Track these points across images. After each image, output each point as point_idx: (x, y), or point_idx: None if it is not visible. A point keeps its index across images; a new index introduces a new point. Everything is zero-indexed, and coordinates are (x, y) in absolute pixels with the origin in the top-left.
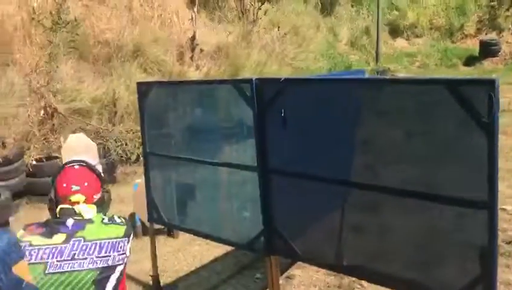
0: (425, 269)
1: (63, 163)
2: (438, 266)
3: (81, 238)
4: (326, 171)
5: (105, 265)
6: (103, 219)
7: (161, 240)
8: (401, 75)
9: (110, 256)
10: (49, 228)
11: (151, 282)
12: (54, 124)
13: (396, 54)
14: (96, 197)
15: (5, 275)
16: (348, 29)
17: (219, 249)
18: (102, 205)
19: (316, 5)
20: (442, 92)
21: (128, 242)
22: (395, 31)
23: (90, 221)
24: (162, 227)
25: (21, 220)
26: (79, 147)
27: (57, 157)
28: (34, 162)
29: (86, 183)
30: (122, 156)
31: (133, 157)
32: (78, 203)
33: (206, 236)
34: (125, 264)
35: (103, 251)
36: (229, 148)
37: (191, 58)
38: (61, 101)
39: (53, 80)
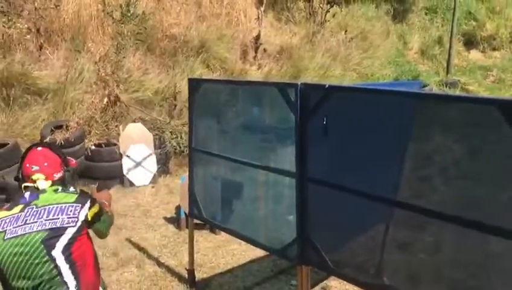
0: None
1: (30, 145)
2: None
3: (33, 206)
4: (367, 186)
5: (54, 226)
6: (57, 189)
7: (203, 235)
8: (471, 88)
9: (58, 219)
10: (13, 202)
11: (186, 276)
12: (115, 112)
13: (469, 66)
14: (57, 176)
15: None
16: (419, 38)
17: (258, 251)
18: (64, 183)
19: (387, 11)
20: (493, 112)
21: (81, 209)
22: (470, 42)
23: (43, 191)
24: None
25: None
26: (136, 136)
27: (115, 144)
28: (93, 147)
29: (45, 164)
30: (176, 149)
31: (187, 151)
32: (36, 180)
33: (242, 237)
34: (79, 227)
35: (51, 214)
36: (269, 151)
37: (254, 57)
38: (125, 91)
39: (119, 70)
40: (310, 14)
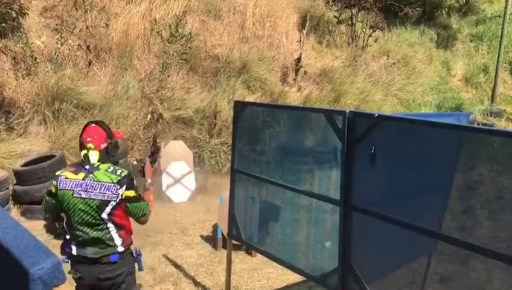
0: None
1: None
2: None
3: (92, 178)
4: (413, 217)
5: (103, 199)
6: (108, 168)
7: (239, 256)
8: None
9: (105, 193)
10: (76, 168)
11: None
12: (157, 129)
13: None
14: (103, 146)
15: None
16: (463, 65)
17: (294, 276)
18: (107, 152)
19: (431, 38)
20: None
21: (120, 188)
22: None
23: (98, 168)
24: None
25: None
26: (176, 154)
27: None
28: (135, 162)
29: (95, 137)
30: (214, 167)
31: (225, 170)
32: (89, 149)
33: (280, 262)
34: (119, 201)
35: (102, 189)
36: (313, 176)
37: (294, 79)
38: (168, 109)
39: (163, 88)
40: (351, 38)
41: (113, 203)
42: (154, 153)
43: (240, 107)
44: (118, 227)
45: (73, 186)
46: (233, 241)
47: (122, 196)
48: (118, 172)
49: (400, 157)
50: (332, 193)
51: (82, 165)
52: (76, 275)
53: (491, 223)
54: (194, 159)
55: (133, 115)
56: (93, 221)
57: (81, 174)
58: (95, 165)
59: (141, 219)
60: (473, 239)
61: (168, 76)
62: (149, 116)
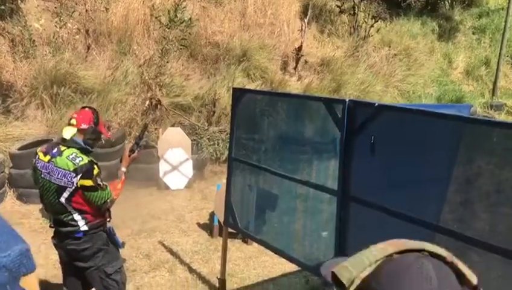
0: None
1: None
2: None
3: (53, 162)
4: (412, 209)
5: (59, 184)
6: (71, 154)
7: (235, 244)
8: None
9: (62, 180)
10: (47, 149)
11: (217, 284)
12: (156, 115)
13: None
14: (83, 126)
15: (11, 287)
16: (465, 57)
17: (290, 265)
18: (86, 132)
19: (433, 29)
20: None
21: (75, 176)
22: None
23: (61, 154)
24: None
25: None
26: (174, 141)
27: (153, 147)
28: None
29: (81, 116)
30: (212, 155)
31: (223, 158)
32: (71, 124)
33: (276, 250)
34: (74, 188)
35: (59, 175)
36: (311, 166)
37: (295, 68)
38: (166, 95)
39: (162, 74)
40: (353, 28)
41: (69, 189)
42: (138, 142)
43: (238, 94)
44: (79, 211)
45: (41, 167)
46: (230, 230)
47: (77, 184)
48: (77, 160)
49: (399, 148)
50: (330, 183)
51: (52, 147)
52: (53, 241)
53: (489, 216)
54: (192, 146)
55: (132, 101)
56: (55, 203)
57: (47, 157)
58: (61, 150)
59: (101, 206)
60: (471, 232)
61: (167, 62)
62: (147, 102)
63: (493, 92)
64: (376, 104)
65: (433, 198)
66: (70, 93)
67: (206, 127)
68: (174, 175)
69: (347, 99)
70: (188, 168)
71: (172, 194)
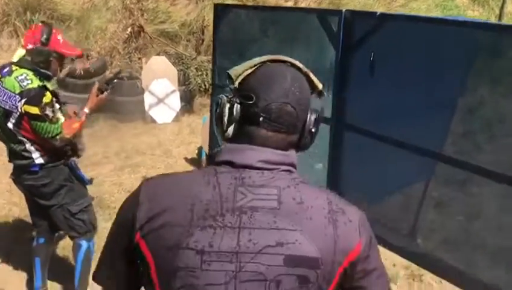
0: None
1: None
2: None
3: (1, 83)
4: (414, 137)
5: (5, 107)
6: (21, 75)
7: None
8: None
9: (7, 103)
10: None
11: None
12: (139, 44)
13: None
14: (30, 46)
15: None
16: None
17: None
18: (32, 52)
19: None
20: None
21: (20, 100)
22: None
23: (11, 74)
24: None
25: (96, 134)
26: (159, 71)
27: (137, 78)
28: (115, 80)
29: (29, 34)
30: (201, 86)
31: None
32: (23, 46)
33: None
34: (20, 114)
35: (5, 97)
36: None
37: None
38: (151, 22)
39: None
40: None
41: (15, 114)
42: (109, 82)
43: (221, 11)
44: (31, 141)
45: None
46: None
47: (21, 109)
48: (25, 82)
49: (403, 67)
50: (325, 112)
51: (5, 66)
52: (11, 176)
53: (492, 147)
54: (178, 77)
55: (112, 28)
56: (6, 129)
57: None
58: (12, 69)
59: (49, 140)
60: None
61: None
62: (129, 29)
63: (500, 17)
64: (378, 13)
65: (438, 126)
66: (46, 20)
67: (193, 56)
68: (161, 108)
69: (344, 10)
70: (175, 101)
71: (159, 128)
